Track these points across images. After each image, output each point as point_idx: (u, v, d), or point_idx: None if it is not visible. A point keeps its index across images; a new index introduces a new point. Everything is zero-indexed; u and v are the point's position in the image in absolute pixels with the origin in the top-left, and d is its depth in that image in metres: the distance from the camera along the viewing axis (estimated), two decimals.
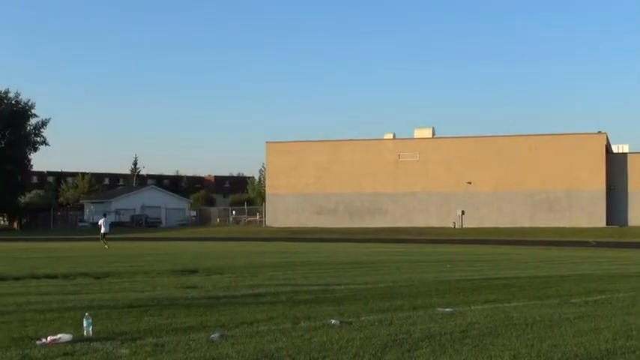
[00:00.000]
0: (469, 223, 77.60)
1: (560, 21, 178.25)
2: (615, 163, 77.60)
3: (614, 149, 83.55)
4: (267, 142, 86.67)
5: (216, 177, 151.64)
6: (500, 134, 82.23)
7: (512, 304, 12.82)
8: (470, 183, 78.32)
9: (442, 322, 10.50)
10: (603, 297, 14.32)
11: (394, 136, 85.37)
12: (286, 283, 17.45)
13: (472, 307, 12.24)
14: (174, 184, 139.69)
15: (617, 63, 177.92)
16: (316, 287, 16.23)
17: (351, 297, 14.15)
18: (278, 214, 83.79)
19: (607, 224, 74.63)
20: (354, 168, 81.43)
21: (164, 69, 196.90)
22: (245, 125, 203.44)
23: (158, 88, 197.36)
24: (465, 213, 78.82)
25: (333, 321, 10.41)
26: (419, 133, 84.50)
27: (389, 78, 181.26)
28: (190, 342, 8.91)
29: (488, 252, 38.27)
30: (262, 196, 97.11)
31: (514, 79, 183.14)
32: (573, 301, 13.49)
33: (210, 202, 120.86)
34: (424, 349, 8.38)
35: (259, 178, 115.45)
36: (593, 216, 75.25)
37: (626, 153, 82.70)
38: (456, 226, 77.72)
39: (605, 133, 77.80)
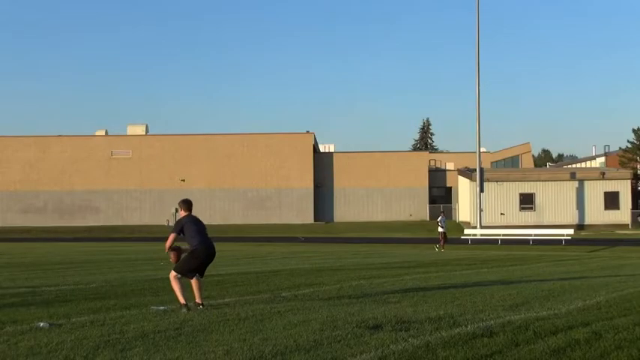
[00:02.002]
0: None
1: (266, 21, 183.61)
2: (322, 162, 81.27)
3: (321, 149, 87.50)
4: None
5: None
6: (214, 132, 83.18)
7: (225, 300, 13.04)
8: (183, 180, 78.50)
9: (156, 320, 10.44)
10: (312, 290, 14.92)
11: (106, 132, 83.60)
12: None
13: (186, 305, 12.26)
14: None
15: (327, 68, 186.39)
16: (23, 289, 15.51)
17: (61, 298, 13.67)
18: None
19: (315, 220, 78.01)
20: (64, 165, 78.67)
21: None
22: None
23: None
24: (179, 210, 78.85)
25: (41, 324, 10.00)
26: (132, 130, 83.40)
27: (101, 74, 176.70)
28: None
29: None
30: None
31: (227, 78, 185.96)
32: (284, 295, 13.93)
33: None
34: (138, 349, 8.29)
35: None
36: (302, 213, 78.31)
37: (332, 152, 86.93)
38: (170, 224, 77.53)
39: (313, 133, 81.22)
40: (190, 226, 12.33)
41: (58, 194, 78.73)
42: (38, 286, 16.16)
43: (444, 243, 39.13)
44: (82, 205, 78.91)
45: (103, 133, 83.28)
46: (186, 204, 12.98)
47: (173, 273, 12.02)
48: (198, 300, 12.00)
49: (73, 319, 10.56)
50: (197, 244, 12.07)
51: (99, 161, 79.13)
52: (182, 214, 12.77)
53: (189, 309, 11.48)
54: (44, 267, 24.07)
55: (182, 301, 11.68)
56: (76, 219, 77.98)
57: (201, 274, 12.31)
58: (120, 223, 76.90)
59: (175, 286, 11.91)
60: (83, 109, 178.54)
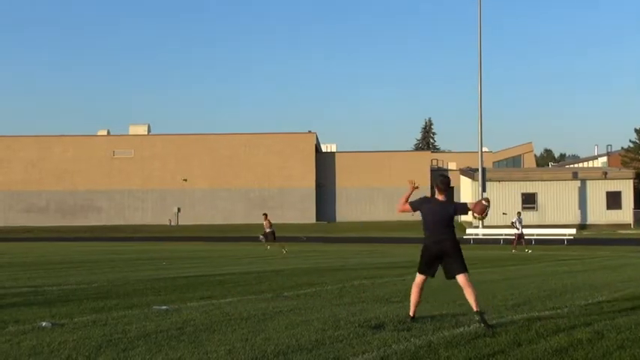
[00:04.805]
0: (185, 220, 77.83)
1: (267, 20, 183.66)
2: (324, 162, 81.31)
3: (323, 148, 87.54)
4: None
5: None
6: (216, 132, 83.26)
7: (227, 300, 13.01)
8: (186, 180, 78.55)
9: (158, 320, 10.43)
10: (313, 290, 14.91)
11: (108, 132, 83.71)
12: None
13: (188, 304, 12.28)
14: None
15: (329, 67, 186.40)
16: (26, 289, 15.51)
17: (63, 298, 13.67)
18: None
19: (317, 220, 78.07)
20: (66, 165, 78.79)
21: None
22: None
23: None
24: (181, 210, 78.94)
25: (44, 323, 10.00)
26: (134, 130, 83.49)
27: (103, 73, 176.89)
28: None
29: (204, 249, 38.64)
30: None
31: (228, 77, 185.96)
32: (285, 294, 13.92)
33: None
34: (140, 348, 8.29)
35: None
36: (304, 212, 78.36)
37: (334, 152, 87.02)
38: (172, 223, 77.61)
39: (315, 132, 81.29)
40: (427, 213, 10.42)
41: (60, 194, 78.82)
42: (40, 286, 16.16)
43: (517, 244, 37.97)
44: (84, 205, 79.01)
45: (105, 133, 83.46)
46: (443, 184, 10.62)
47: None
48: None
49: (76, 319, 10.56)
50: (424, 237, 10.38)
51: (101, 161, 79.23)
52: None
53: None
54: (46, 266, 24.08)
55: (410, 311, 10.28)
56: (78, 219, 78.06)
57: (447, 274, 10.21)
58: (122, 222, 76.98)
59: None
60: (85, 109, 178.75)
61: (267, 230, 36.93)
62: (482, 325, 9.40)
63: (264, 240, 37.99)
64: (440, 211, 10.27)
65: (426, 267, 10.10)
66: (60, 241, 54.20)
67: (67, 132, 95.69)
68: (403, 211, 10.72)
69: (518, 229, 38.62)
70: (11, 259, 29.41)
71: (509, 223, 41.38)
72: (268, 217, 37.23)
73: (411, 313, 10.06)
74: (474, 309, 9.74)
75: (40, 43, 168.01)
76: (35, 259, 29.60)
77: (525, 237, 39.56)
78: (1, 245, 47.02)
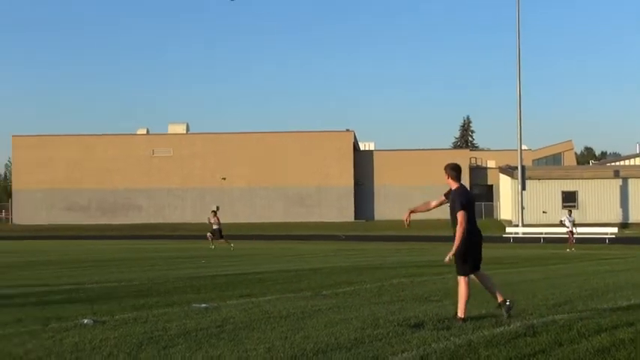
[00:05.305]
0: (224, 218, 77.89)
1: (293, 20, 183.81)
2: (362, 160, 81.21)
3: (361, 147, 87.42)
4: (13, 136, 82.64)
5: None
6: (254, 130, 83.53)
7: (266, 298, 13.05)
8: (224, 179, 78.89)
9: (198, 318, 10.50)
10: (352, 288, 14.90)
11: (148, 131, 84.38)
12: (36, 283, 16.75)
13: (227, 302, 12.33)
14: None
15: (366, 66, 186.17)
16: (68, 286, 15.70)
17: (104, 295, 13.82)
18: (26, 211, 79.99)
19: (355, 218, 77.98)
20: (107, 163, 79.50)
21: None
22: None
23: None
24: (220, 208, 79.27)
25: (85, 320, 10.12)
26: (173, 129, 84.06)
27: (143, 73, 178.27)
28: None
29: (242, 247, 38.79)
30: (8, 193, 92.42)
31: (267, 76, 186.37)
32: (324, 293, 13.92)
33: None
34: (180, 346, 8.35)
35: (5, 174, 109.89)
36: (342, 211, 78.30)
37: (372, 150, 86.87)
38: (211, 222, 77.97)
39: (353, 131, 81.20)
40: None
41: (101, 192, 79.62)
42: (82, 283, 16.35)
43: (572, 242, 37.35)
44: (125, 203, 79.70)
45: (145, 132, 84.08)
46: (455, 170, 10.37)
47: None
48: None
49: (117, 316, 10.67)
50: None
51: (140, 160, 79.88)
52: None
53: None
54: (87, 264, 24.37)
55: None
56: (119, 217, 78.78)
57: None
58: (161, 221, 77.51)
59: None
60: (125, 109, 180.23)
61: (215, 227, 37.34)
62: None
63: (211, 238, 38.22)
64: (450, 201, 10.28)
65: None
66: (101, 239, 54.75)
67: (107, 131, 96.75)
68: (436, 206, 10.58)
69: (567, 227, 38.20)
70: (54, 256, 29.78)
71: (558, 222, 40.87)
72: (217, 215, 38.38)
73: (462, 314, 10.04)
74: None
75: (83, 44, 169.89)
76: (77, 256, 29.95)
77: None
78: (43, 243, 47.65)
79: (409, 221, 10.43)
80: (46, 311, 11.35)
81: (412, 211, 10.46)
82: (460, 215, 9.92)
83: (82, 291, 14.75)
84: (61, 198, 79.94)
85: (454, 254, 9.93)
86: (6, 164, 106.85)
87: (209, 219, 38.74)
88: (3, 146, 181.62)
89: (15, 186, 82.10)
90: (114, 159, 79.59)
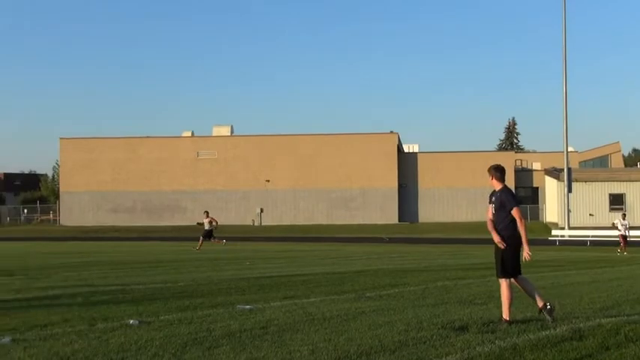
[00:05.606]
0: (268, 220, 78.43)
1: (349, 24, 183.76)
2: (406, 162, 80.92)
3: (405, 149, 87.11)
4: (60, 139, 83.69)
5: (5, 174, 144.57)
6: (298, 133, 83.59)
7: (310, 300, 13.06)
8: (268, 181, 79.14)
9: (242, 319, 10.55)
10: (396, 291, 14.86)
11: (192, 133, 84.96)
12: (82, 283, 16.96)
13: (271, 304, 12.38)
14: None
15: (407, 68, 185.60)
16: (114, 287, 15.88)
17: (149, 296, 13.95)
18: (73, 212, 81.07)
19: (399, 221, 77.71)
20: (152, 166, 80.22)
21: None
22: (37, 120, 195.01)
23: None
24: (264, 210, 79.60)
25: (131, 321, 10.22)
26: (217, 131, 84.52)
27: (188, 75, 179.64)
28: None
29: (286, 249, 38.88)
30: (56, 194, 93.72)
31: (311, 78, 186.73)
32: (368, 295, 13.91)
33: (0, 201, 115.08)
34: (224, 347, 8.40)
35: (53, 176, 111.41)
36: (386, 213, 78.09)
37: (416, 152, 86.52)
38: (255, 224, 78.33)
39: (397, 133, 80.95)
40: None
41: (147, 194, 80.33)
42: (127, 284, 16.51)
43: (624, 245, 36.80)
44: (170, 205, 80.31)
45: (189, 135, 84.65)
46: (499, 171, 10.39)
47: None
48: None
49: (162, 317, 10.76)
50: None
51: (185, 162, 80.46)
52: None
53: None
54: (133, 265, 24.60)
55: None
56: (164, 219, 79.40)
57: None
58: None
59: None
60: (170, 111, 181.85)
61: (207, 228, 38.03)
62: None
63: (217, 241, 39.43)
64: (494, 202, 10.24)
65: None
66: (146, 241, 55.27)
67: (152, 133, 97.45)
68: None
69: (619, 230, 37.75)
70: (100, 257, 30.12)
71: (611, 224, 40.36)
72: (210, 215, 39.65)
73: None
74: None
75: (128, 47, 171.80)
76: (122, 257, 30.25)
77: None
78: (90, 244, 48.23)
79: (499, 240, 10.09)
80: (93, 311, 11.49)
81: (495, 230, 10.19)
82: (516, 211, 9.93)
83: (128, 292, 14.91)
84: (106, 200, 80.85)
85: (529, 252, 9.92)
86: (54, 166, 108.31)
87: (204, 222, 39.51)
88: (51, 149, 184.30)
89: (62, 188, 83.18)
90: (159, 161, 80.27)
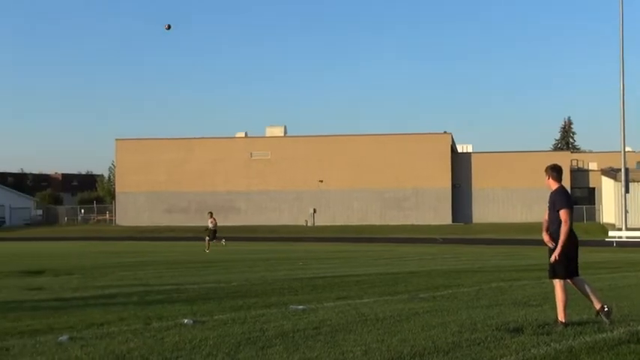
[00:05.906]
0: (321, 220, 78.53)
1: (396, 22, 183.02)
2: (460, 162, 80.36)
3: (459, 149, 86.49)
4: (116, 140, 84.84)
5: (63, 175, 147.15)
6: (351, 133, 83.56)
7: (363, 301, 13.04)
8: (321, 181, 79.21)
9: (295, 319, 10.57)
10: (450, 292, 14.75)
11: (246, 134, 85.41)
12: (137, 283, 17.17)
13: (324, 304, 12.38)
14: (19, 182, 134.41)
15: (461, 68, 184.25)
16: (168, 287, 16.04)
17: (203, 296, 14.06)
18: (128, 212, 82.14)
19: (453, 221, 77.20)
20: (206, 166, 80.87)
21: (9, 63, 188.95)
22: (94, 122, 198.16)
23: None
24: (317, 211, 79.70)
25: (185, 320, 10.31)
26: (270, 132, 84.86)
27: (240, 77, 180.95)
28: (37, 345, 8.63)
29: (339, 249, 38.89)
30: (112, 195, 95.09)
31: (361, 80, 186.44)
32: (422, 296, 13.84)
33: (58, 201, 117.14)
34: (277, 347, 8.42)
35: (109, 176, 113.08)
36: (439, 213, 77.64)
37: (470, 152, 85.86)
38: (308, 224, 78.46)
39: (450, 133, 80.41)
40: None
41: (201, 195, 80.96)
42: (182, 284, 16.66)
43: None
44: (224, 206, 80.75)
45: (243, 135, 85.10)
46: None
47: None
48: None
49: (216, 317, 10.83)
50: None
51: (239, 162, 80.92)
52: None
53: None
54: (187, 265, 24.82)
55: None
56: (218, 219, 79.38)
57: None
58: (260, 223, 78.27)
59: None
60: (224, 112, 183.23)
61: (211, 227, 39.52)
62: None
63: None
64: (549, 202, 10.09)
65: None
66: (200, 241, 55.71)
67: (207, 134, 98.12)
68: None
69: None
70: (154, 257, 30.45)
71: None
72: (213, 216, 41.45)
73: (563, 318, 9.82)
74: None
75: (183, 49, 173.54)
76: (177, 257, 30.56)
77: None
78: (145, 244, 48.80)
79: (548, 239, 10.01)
80: (148, 310, 11.62)
81: (547, 231, 10.10)
82: (564, 213, 9.72)
83: (182, 291, 15.04)
84: (161, 200, 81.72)
85: (560, 253, 9.72)
86: (110, 167, 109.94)
87: (210, 223, 40.14)
88: (107, 150, 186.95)
89: (118, 188, 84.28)
90: (213, 162, 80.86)
